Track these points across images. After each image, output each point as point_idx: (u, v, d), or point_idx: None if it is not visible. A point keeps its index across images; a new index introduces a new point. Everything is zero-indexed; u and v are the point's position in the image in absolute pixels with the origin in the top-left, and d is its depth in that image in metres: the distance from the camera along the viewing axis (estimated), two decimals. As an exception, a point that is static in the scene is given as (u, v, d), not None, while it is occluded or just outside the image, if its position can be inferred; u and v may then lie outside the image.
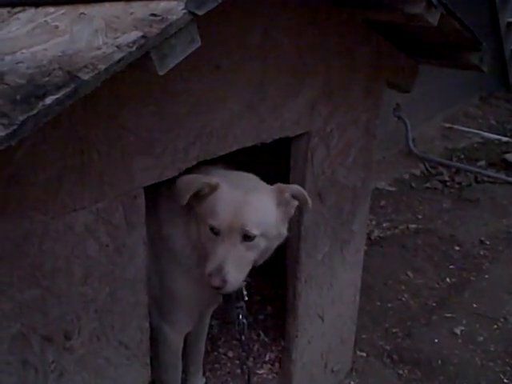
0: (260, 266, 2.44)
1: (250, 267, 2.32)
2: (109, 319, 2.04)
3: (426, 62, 3.05)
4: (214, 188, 2.25)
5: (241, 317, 2.54)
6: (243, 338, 2.60)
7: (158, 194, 2.41)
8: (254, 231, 2.24)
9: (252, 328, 3.61)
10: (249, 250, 2.26)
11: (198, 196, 2.25)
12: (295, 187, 2.39)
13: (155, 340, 2.53)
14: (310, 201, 2.37)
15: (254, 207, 2.28)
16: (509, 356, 3.80)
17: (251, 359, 3.36)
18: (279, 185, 2.38)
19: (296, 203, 2.40)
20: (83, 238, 1.87)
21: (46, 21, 1.71)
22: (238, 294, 2.49)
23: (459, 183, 6.48)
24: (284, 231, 2.41)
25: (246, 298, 2.52)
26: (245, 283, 2.45)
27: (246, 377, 2.70)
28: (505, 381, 3.60)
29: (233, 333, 3.29)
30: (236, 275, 2.22)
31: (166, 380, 2.78)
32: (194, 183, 2.21)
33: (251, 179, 2.44)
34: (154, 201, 2.38)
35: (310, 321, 3.08)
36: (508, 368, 3.70)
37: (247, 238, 2.24)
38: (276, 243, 2.41)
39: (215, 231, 2.23)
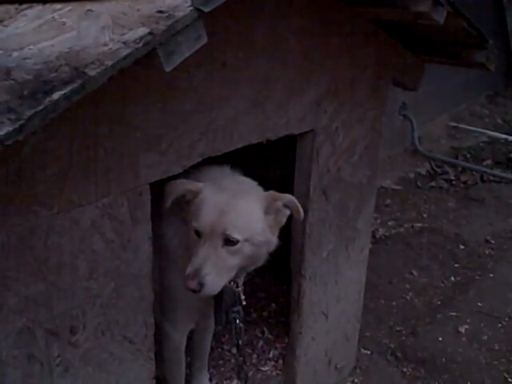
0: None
1: (233, 273, 2.30)
2: (114, 314, 2.06)
3: (433, 60, 3.04)
4: (196, 193, 2.28)
5: (238, 321, 2.51)
6: (240, 342, 2.58)
7: (158, 190, 2.42)
8: (236, 235, 2.22)
9: (256, 325, 3.62)
10: (231, 254, 2.23)
11: (185, 200, 2.30)
12: (288, 197, 2.36)
13: (158, 337, 2.54)
14: (302, 213, 2.35)
15: (238, 212, 2.26)
16: (513, 355, 3.80)
17: (255, 356, 3.37)
18: (272, 193, 2.36)
19: (288, 212, 2.37)
20: (89, 234, 1.88)
21: (53, 17, 1.73)
22: (235, 299, 2.47)
23: (465, 182, 6.46)
24: (273, 239, 2.37)
25: (244, 303, 2.51)
26: (243, 287, 2.46)
27: (243, 382, 2.69)
28: (509, 380, 3.59)
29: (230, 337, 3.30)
30: (214, 279, 2.19)
31: (169, 376, 2.80)
32: (177, 188, 2.26)
33: (244, 183, 2.42)
34: (155, 198, 2.39)
35: (315, 318, 3.08)
36: (512, 367, 3.70)
37: (229, 242, 2.22)
38: (264, 250, 2.37)
39: (198, 234, 2.23)
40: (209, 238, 2.22)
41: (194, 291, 2.19)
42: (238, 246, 2.23)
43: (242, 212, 2.28)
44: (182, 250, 2.43)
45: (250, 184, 2.44)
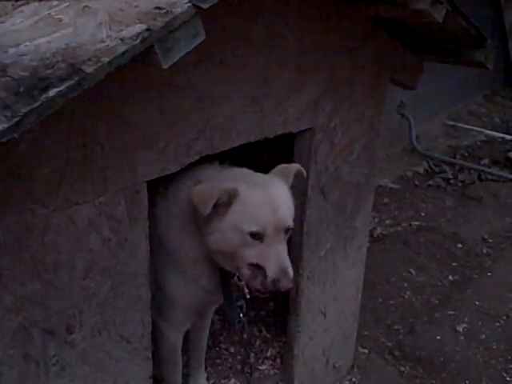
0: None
1: None
2: (110, 313, 2.04)
3: (431, 58, 3.03)
4: (233, 195, 2.17)
5: (242, 315, 2.51)
6: (245, 335, 2.58)
7: (155, 191, 2.40)
8: (292, 222, 2.27)
9: (254, 324, 3.61)
10: (285, 241, 2.27)
11: (216, 204, 2.16)
12: (296, 166, 2.44)
13: (155, 336, 2.53)
14: (305, 172, 2.48)
15: (284, 201, 2.28)
16: (511, 354, 3.80)
17: (253, 355, 3.36)
18: (284, 169, 2.40)
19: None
20: (85, 232, 1.87)
21: (49, 14, 1.71)
22: (239, 293, 2.46)
23: (462, 181, 6.46)
24: None
25: (248, 296, 2.50)
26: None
27: (248, 375, 2.70)
28: (507, 379, 3.59)
29: (233, 331, 3.30)
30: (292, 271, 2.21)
31: (165, 375, 2.79)
32: (215, 192, 2.13)
33: (255, 173, 2.40)
34: (151, 198, 2.37)
35: (312, 317, 3.07)
36: (510, 366, 3.69)
37: (287, 231, 2.25)
38: None
39: (258, 236, 2.17)
40: (273, 236, 2.18)
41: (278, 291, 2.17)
42: (290, 232, 2.28)
43: (286, 200, 2.30)
44: (185, 252, 2.40)
45: (252, 172, 2.41)
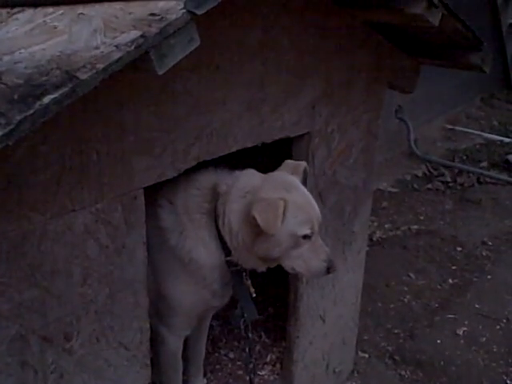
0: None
1: None
2: (108, 320, 2.04)
3: (428, 62, 3.04)
4: (285, 206, 2.21)
5: (246, 315, 2.53)
6: (250, 335, 2.61)
7: (159, 204, 2.40)
8: None
9: (253, 329, 3.59)
10: None
11: None
12: (304, 164, 2.50)
13: (154, 342, 2.53)
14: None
15: (310, 197, 2.37)
16: (511, 357, 3.79)
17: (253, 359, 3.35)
18: (291, 166, 2.46)
19: None
20: (82, 239, 1.87)
21: (44, 21, 1.72)
22: (245, 293, 2.48)
23: (461, 184, 6.46)
24: None
25: (254, 295, 2.51)
26: (250, 281, 2.46)
27: (250, 376, 2.70)
28: (507, 382, 3.58)
29: (236, 333, 3.29)
30: None
31: (166, 381, 2.78)
32: (280, 207, 2.16)
33: (269, 176, 2.41)
34: (154, 210, 2.38)
35: (312, 322, 3.07)
36: (510, 369, 3.69)
37: None
38: None
39: (308, 236, 2.27)
40: (317, 232, 2.32)
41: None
42: None
43: (310, 195, 2.38)
44: (202, 261, 2.39)
45: (270, 174, 2.44)
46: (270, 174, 2.43)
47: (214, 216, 2.35)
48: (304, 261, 2.31)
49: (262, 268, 2.41)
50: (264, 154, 2.73)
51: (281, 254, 2.29)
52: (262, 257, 2.32)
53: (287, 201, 2.21)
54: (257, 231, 2.21)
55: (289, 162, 2.50)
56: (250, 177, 2.38)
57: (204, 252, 2.38)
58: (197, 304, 2.55)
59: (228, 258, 2.37)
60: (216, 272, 2.43)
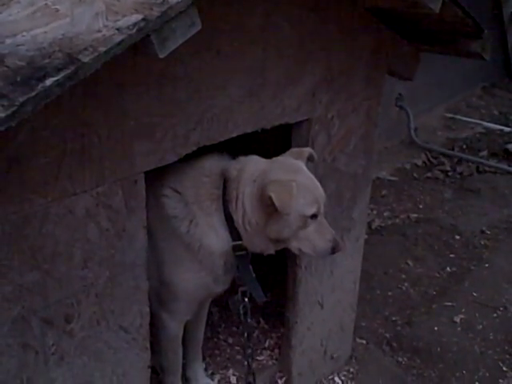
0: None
1: None
2: (109, 303, 2.06)
3: (428, 49, 3.04)
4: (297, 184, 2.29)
5: (245, 299, 2.58)
6: (248, 320, 2.64)
7: (164, 194, 2.42)
8: None
9: (252, 314, 3.61)
10: None
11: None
12: (308, 150, 2.55)
13: (155, 326, 2.55)
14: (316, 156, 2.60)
15: (314, 178, 2.44)
16: (508, 344, 3.81)
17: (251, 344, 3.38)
18: (295, 153, 2.51)
19: None
20: (83, 222, 1.88)
21: (46, 4, 1.71)
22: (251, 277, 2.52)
23: (461, 173, 6.46)
24: None
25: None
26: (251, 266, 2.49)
27: (248, 361, 2.72)
28: (504, 369, 3.61)
29: (234, 318, 3.31)
30: None
31: (166, 365, 2.80)
32: (294, 187, 2.23)
33: (275, 160, 2.47)
34: (158, 200, 2.40)
35: (310, 307, 3.09)
36: (507, 356, 3.71)
37: None
38: None
39: (315, 216, 2.35)
40: (321, 214, 2.39)
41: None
42: None
43: (314, 178, 2.45)
44: (214, 247, 2.42)
45: (275, 158, 2.49)
46: (275, 158, 2.47)
47: (223, 201, 2.37)
48: (310, 241, 2.38)
49: (269, 251, 2.45)
50: (256, 141, 2.73)
51: (290, 235, 2.35)
52: (273, 238, 2.37)
53: (297, 182, 2.27)
54: (269, 211, 2.27)
55: (293, 149, 2.55)
56: (256, 161, 2.43)
57: (215, 238, 2.40)
58: (199, 290, 2.57)
59: (235, 243, 2.40)
60: (224, 257, 2.46)
